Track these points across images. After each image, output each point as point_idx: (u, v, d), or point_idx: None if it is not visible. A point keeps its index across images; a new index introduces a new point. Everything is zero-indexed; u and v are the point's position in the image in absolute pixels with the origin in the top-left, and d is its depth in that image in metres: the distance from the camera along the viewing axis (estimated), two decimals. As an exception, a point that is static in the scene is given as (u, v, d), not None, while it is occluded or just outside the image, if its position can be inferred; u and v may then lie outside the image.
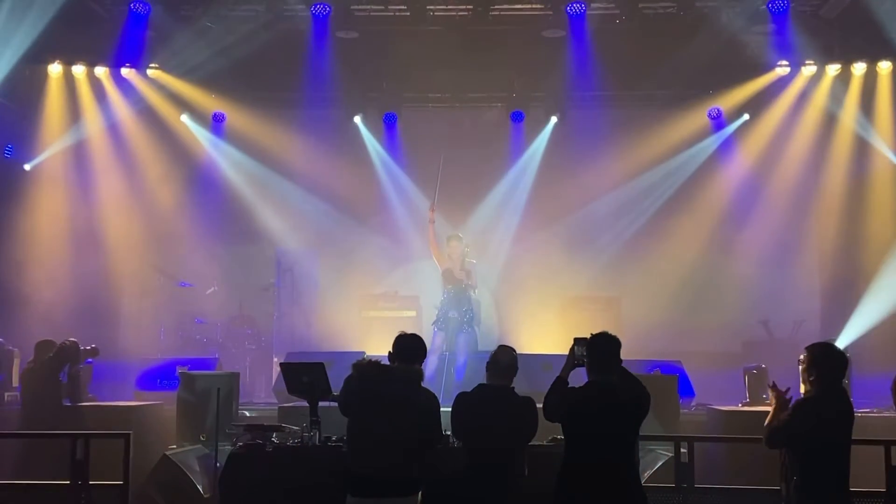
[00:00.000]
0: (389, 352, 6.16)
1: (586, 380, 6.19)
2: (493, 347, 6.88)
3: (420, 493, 6.00)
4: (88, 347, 9.64)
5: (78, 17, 11.88)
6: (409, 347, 6.11)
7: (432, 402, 6.07)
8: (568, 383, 6.12)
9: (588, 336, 6.10)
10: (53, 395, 8.98)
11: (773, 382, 5.84)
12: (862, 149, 13.40)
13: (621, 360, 6.00)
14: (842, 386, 5.84)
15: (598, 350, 6.00)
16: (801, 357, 5.83)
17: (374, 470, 5.71)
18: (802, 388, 5.74)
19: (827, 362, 5.79)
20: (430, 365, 11.37)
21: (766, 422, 5.72)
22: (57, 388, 9.06)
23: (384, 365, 6.08)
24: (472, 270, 11.48)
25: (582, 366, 6.11)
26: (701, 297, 13.44)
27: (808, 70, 13.35)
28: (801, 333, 12.48)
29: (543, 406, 6.11)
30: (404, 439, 5.75)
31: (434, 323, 11.38)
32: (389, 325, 12.50)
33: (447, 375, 11.19)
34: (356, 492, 5.71)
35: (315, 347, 12.09)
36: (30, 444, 8.29)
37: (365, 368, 6.04)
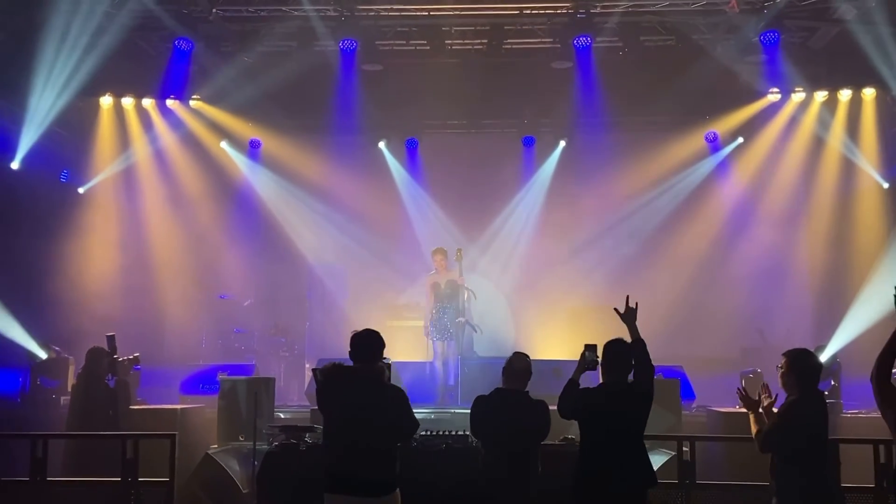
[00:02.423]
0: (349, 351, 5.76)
1: (596, 382, 6.22)
2: (509, 353, 6.90)
3: (398, 490, 5.51)
4: (131, 356, 9.61)
5: (127, 54, 11.97)
6: (365, 345, 5.69)
7: (399, 395, 5.71)
8: (579, 385, 6.18)
9: (596, 343, 6.19)
10: (95, 400, 8.86)
11: (763, 388, 5.87)
12: (848, 169, 13.35)
13: (633, 365, 6.07)
14: (818, 388, 5.87)
15: (614, 354, 6.07)
16: (780, 363, 5.89)
17: (349, 469, 5.39)
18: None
19: (803, 367, 5.83)
20: (435, 370, 11.52)
21: (755, 431, 5.73)
22: (96, 395, 8.86)
23: (347, 366, 5.71)
24: (459, 269, 11.70)
25: (592, 369, 6.18)
26: (700, 306, 13.38)
27: (798, 96, 13.33)
28: (793, 340, 12.40)
29: (559, 405, 6.15)
30: (375, 438, 5.42)
31: (428, 335, 11.55)
32: (411, 333, 12.65)
33: (442, 379, 11.36)
34: (333, 489, 5.39)
35: (344, 354, 11.78)
36: (82, 443, 8.30)
37: (329, 372, 5.71)
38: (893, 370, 4.47)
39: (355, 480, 5.34)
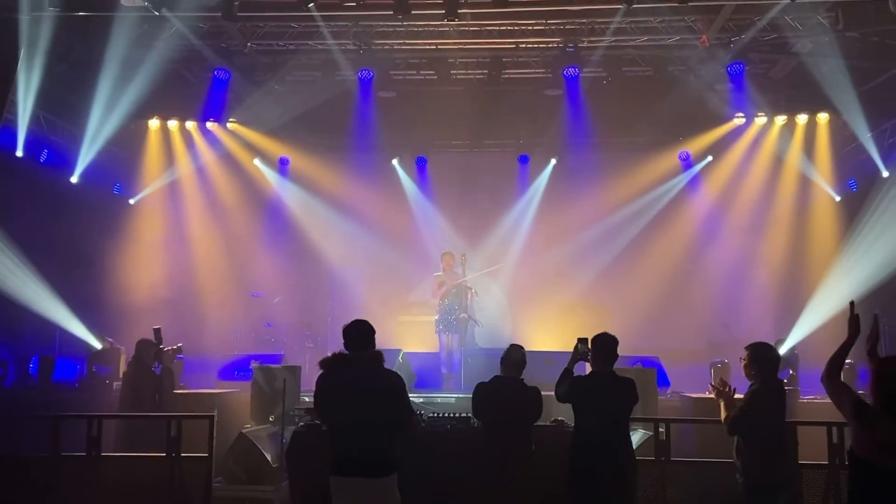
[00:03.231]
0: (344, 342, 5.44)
1: (584, 372, 6.22)
2: (506, 345, 6.88)
3: (396, 472, 5.16)
4: (175, 347, 9.57)
5: (173, 82, 12.00)
6: (358, 332, 5.40)
7: (398, 383, 5.38)
8: (573, 373, 6.23)
9: (587, 336, 6.21)
10: (143, 386, 8.80)
11: (720, 383, 5.92)
12: (805, 184, 13.32)
13: (618, 356, 6.12)
14: (777, 377, 5.87)
15: (601, 345, 6.13)
16: (743, 355, 5.91)
17: (352, 451, 5.09)
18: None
19: (764, 358, 5.86)
20: (441, 360, 11.50)
21: (723, 416, 5.73)
22: (144, 381, 8.82)
23: (347, 355, 5.38)
24: (462, 270, 11.69)
25: (584, 360, 6.21)
26: (675, 304, 13.29)
27: (760, 120, 13.33)
28: (755, 334, 12.34)
29: (555, 391, 6.22)
30: (377, 421, 5.11)
31: (437, 330, 11.50)
32: (420, 327, 12.59)
33: (447, 367, 11.35)
34: (337, 472, 5.11)
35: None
36: (132, 423, 8.28)
37: (331, 362, 5.38)
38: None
39: (358, 461, 5.08)
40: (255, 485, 7.75)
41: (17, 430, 7.49)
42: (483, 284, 12.58)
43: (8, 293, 9.75)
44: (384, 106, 13.41)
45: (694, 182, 14.22)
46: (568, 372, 6.23)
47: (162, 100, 12.41)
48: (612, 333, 6.19)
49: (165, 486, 7.05)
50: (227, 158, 14.16)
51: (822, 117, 12.91)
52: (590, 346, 6.16)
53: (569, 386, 6.13)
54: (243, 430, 8.17)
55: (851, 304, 4.74)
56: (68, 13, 9.11)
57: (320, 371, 5.35)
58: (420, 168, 14.65)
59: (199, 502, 7.10)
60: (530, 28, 11.91)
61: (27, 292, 10.04)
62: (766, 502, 5.73)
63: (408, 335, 12.30)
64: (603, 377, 6.10)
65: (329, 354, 5.43)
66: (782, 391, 5.90)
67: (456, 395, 9.73)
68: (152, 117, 13.42)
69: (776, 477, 5.73)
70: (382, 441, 5.12)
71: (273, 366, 9.59)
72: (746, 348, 5.96)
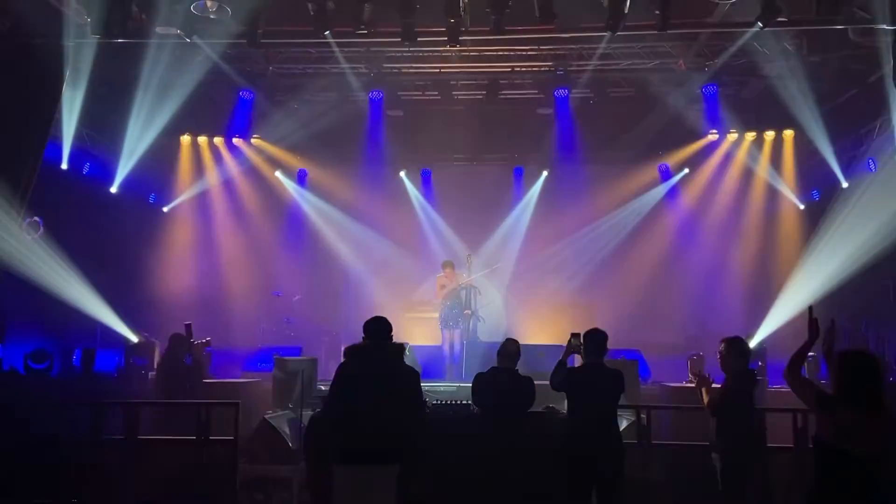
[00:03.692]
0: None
1: (574, 363, 6.25)
2: (502, 339, 6.95)
3: (400, 464, 4.93)
4: (204, 340, 9.56)
5: (202, 102, 12.01)
6: (380, 327, 5.25)
7: (414, 373, 5.25)
8: (567, 365, 6.27)
9: (579, 332, 6.23)
10: (176, 376, 8.78)
11: (700, 372, 6.05)
12: (772, 194, 13.33)
13: (608, 349, 6.14)
14: (750, 367, 5.94)
15: (593, 339, 6.14)
16: (720, 347, 5.95)
17: (361, 436, 4.88)
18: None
19: (738, 351, 5.92)
20: (443, 352, 11.52)
21: (706, 401, 5.77)
22: (177, 371, 8.79)
23: (373, 342, 5.23)
24: (468, 270, 11.75)
25: (577, 353, 6.25)
26: (655, 302, 13.33)
27: (732, 136, 13.34)
28: (728, 329, 12.34)
29: (551, 381, 6.22)
30: (389, 409, 4.92)
31: (440, 326, 11.53)
32: (424, 323, 12.65)
33: (449, 359, 11.40)
34: (344, 459, 4.90)
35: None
36: (166, 409, 8.30)
37: (357, 349, 5.23)
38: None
39: (365, 447, 4.85)
40: (277, 465, 7.76)
41: (63, 416, 7.52)
42: (483, 284, 12.60)
43: (54, 292, 9.79)
44: (392, 123, 13.48)
45: (672, 192, 14.21)
46: (562, 363, 6.23)
47: (192, 117, 12.46)
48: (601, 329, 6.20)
49: (195, 466, 7.08)
50: (251, 171, 14.24)
51: (788, 134, 12.92)
52: (582, 340, 6.17)
53: (564, 376, 6.15)
54: (265, 416, 8.19)
55: (810, 308, 4.78)
56: (108, 40, 9.12)
57: (343, 358, 5.29)
58: (425, 179, 14.67)
59: (225, 481, 7.15)
60: (524, 53, 11.98)
61: (71, 291, 10.08)
62: (740, 480, 5.76)
63: (414, 330, 12.33)
64: (594, 368, 6.09)
65: (355, 343, 5.28)
66: (755, 380, 5.94)
67: (457, 384, 9.74)
68: (184, 133, 13.49)
69: (749, 457, 5.76)
70: (392, 428, 4.92)
71: (292, 357, 9.61)
72: (722, 341, 5.98)
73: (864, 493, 4.18)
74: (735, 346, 5.91)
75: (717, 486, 5.87)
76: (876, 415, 4.22)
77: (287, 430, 8.01)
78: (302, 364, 8.70)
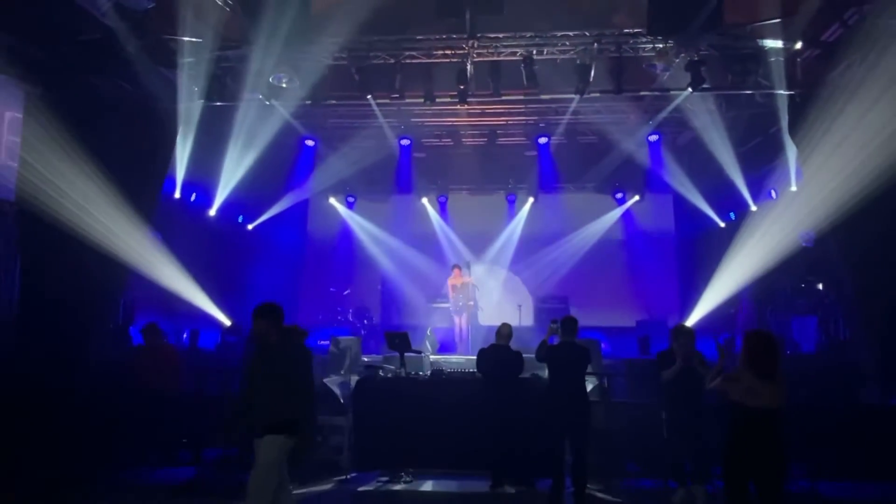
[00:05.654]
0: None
1: (555, 342, 6.30)
2: (498, 323, 6.97)
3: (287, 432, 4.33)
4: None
5: (277, 147, 11.86)
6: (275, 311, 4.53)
7: (303, 353, 4.58)
8: (548, 342, 6.25)
9: (557, 318, 6.28)
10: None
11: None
12: (701, 215, 13.13)
13: (578, 331, 6.14)
14: (695, 348, 5.92)
15: (568, 323, 6.17)
16: (679, 339, 5.95)
17: (256, 415, 4.46)
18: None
19: (684, 334, 5.89)
20: (453, 333, 11.50)
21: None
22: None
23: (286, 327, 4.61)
24: (469, 272, 11.76)
25: (555, 334, 6.26)
26: (614, 297, 13.23)
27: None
28: (669, 317, 12.36)
29: (536, 354, 6.23)
30: (273, 387, 4.41)
31: (451, 313, 11.55)
32: (443, 311, 12.50)
33: (459, 338, 11.38)
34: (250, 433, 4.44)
35: (403, 325, 12.12)
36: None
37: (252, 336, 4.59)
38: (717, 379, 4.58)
39: (259, 423, 4.40)
40: (332, 415, 7.85)
41: (178, 378, 7.66)
42: (483, 283, 12.65)
43: (171, 289, 9.91)
44: (417, 162, 13.52)
45: (627, 214, 14.14)
46: (544, 342, 6.26)
47: (270, 158, 12.48)
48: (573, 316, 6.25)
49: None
50: (314, 197, 14.29)
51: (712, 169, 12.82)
52: (559, 324, 6.20)
53: (545, 351, 6.18)
54: (324, 380, 8.27)
55: (719, 344, 4.85)
56: (210, 102, 9.29)
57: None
58: (441, 205, 14.65)
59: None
60: (515, 110, 12.04)
61: (182, 288, 10.20)
62: (682, 433, 5.78)
63: (435, 317, 12.35)
64: (568, 345, 6.11)
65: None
66: (701, 358, 5.90)
67: (465, 357, 9.79)
68: (265, 170, 13.42)
69: (692, 417, 5.80)
70: (275, 404, 4.40)
71: (343, 336, 9.67)
72: (672, 330, 6.01)
73: (766, 438, 4.24)
74: (682, 332, 5.97)
75: (662, 434, 5.91)
76: (773, 379, 4.29)
77: (339, 390, 8.06)
78: (350, 342, 8.75)
